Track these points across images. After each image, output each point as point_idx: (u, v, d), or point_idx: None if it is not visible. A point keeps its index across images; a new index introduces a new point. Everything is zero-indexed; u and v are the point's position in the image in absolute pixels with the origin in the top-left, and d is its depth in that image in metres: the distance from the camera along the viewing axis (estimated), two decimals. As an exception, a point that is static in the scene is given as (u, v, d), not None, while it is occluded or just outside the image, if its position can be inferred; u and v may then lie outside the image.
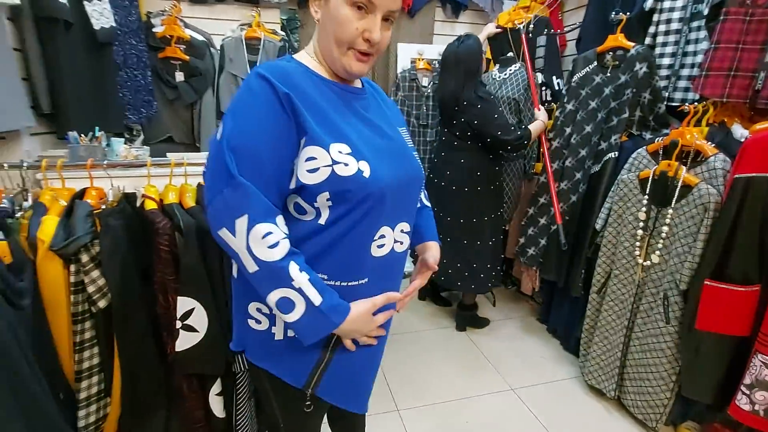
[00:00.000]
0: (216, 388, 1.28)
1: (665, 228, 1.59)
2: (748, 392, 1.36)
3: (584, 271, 2.02)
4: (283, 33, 2.72)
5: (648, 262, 1.66)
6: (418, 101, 2.75)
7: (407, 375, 2.05)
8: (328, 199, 0.76)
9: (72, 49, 1.70)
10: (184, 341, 1.16)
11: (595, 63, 2.02)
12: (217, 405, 1.29)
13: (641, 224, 1.67)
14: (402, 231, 0.87)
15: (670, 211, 1.57)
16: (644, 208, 1.65)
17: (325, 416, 1.13)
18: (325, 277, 0.80)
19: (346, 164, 0.74)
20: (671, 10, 1.84)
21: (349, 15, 0.73)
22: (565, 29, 2.72)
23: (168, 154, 1.42)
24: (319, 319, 0.76)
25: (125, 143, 1.62)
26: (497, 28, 2.49)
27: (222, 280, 1.22)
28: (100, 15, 1.80)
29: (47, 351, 1.07)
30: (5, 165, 1.22)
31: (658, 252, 1.62)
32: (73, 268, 1.08)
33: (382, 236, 0.82)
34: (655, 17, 1.91)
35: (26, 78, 1.60)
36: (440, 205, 2.19)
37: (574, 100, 2.08)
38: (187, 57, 2.39)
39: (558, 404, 1.89)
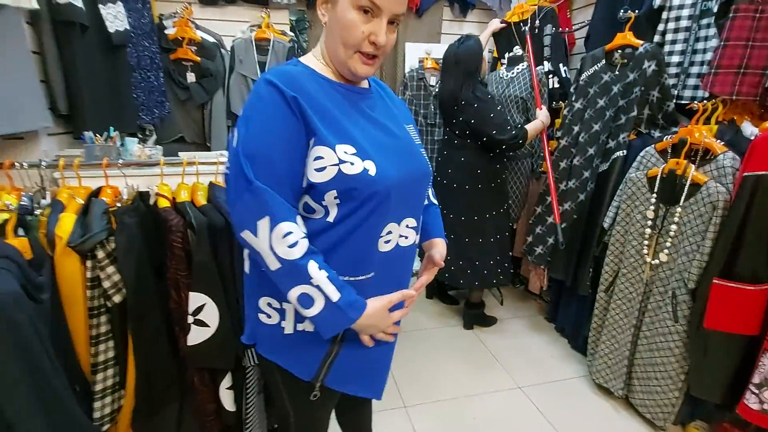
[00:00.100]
0: (226, 382, 1.31)
1: (673, 226, 1.58)
2: (756, 391, 1.35)
3: (592, 270, 2.01)
4: (292, 34, 2.76)
5: (656, 261, 1.65)
6: (426, 100, 2.76)
7: (415, 372, 2.06)
8: (335, 197, 0.78)
9: (88, 51, 1.75)
10: (196, 336, 1.19)
11: (604, 61, 2.02)
12: (227, 398, 1.31)
13: (649, 223, 1.67)
14: (407, 226, 0.89)
15: (679, 209, 1.56)
16: (652, 207, 1.65)
17: (334, 411, 1.15)
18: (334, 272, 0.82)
19: (351, 164, 0.76)
20: (680, 7, 1.83)
21: (356, 19, 0.75)
22: (573, 27, 2.71)
23: (180, 154, 1.46)
24: (337, 314, 0.78)
25: (138, 143, 1.65)
26: (502, 23, 2.50)
27: (233, 277, 1.24)
28: (115, 18, 1.85)
29: (64, 344, 1.10)
30: (24, 164, 1.26)
31: (666, 250, 1.62)
32: (89, 264, 1.11)
33: (389, 232, 0.84)
34: (664, 15, 1.90)
35: (44, 80, 1.65)
36: (443, 202, 2.21)
37: (582, 98, 2.08)
38: (198, 58, 2.43)
39: (565, 403, 1.89)
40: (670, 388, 1.63)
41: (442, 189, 2.23)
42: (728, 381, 1.47)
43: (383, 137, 0.84)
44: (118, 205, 1.23)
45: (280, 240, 0.74)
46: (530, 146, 2.46)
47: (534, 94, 2.29)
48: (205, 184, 1.37)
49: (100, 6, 1.77)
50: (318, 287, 0.76)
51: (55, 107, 1.69)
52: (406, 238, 0.90)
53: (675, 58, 1.87)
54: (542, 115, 2.16)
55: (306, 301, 0.77)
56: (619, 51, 1.95)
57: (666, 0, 1.88)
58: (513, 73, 2.42)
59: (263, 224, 0.74)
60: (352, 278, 0.83)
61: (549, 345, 2.33)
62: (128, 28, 1.94)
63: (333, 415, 1.12)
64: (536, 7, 2.39)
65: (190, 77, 2.45)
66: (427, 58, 2.76)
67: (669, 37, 1.89)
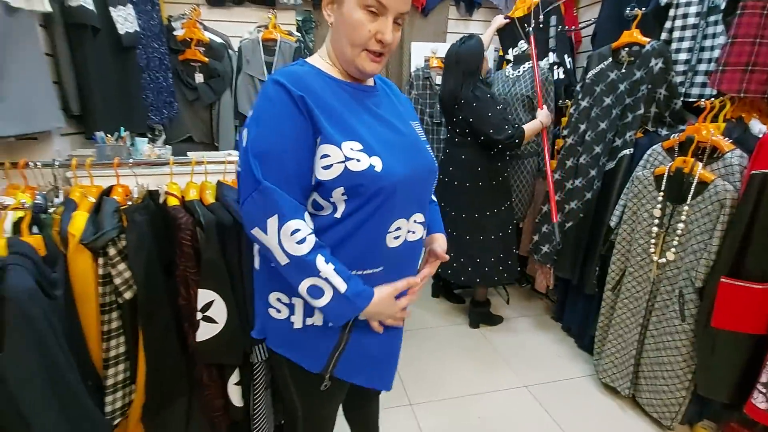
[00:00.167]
0: (234, 377, 1.33)
1: (680, 225, 1.58)
2: (764, 390, 1.34)
3: (599, 269, 2.01)
4: (299, 34, 2.77)
5: (663, 260, 1.65)
6: (432, 99, 2.77)
7: (420, 370, 2.07)
8: (342, 194, 0.80)
9: (99, 53, 1.78)
10: (204, 332, 1.21)
11: (610, 59, 2.01)
12: (235, 394, 1.33)
13: (656, 221, 1.66)
14: (415, 221, 0.91)
15: (686, 207, 1.56)
16: (659, 205, 1.64)
17: (341, 408, 1.16)
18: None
19: (358, 160, 0.77)
20: (688, 4, 1.82)
21: (362, 18, 0.76)
22: (580, 25, 2.70)
23: (188, 153, 1.49)
24: (345, 304, 0.81)
25: (148, 143, 1.68)
26: (505, 19, 2.50)
27: (241, 274, 1.26)
28: (125, 20, 1.88)
29: (77, 339, 1.13)
30: (38, 164, 1.29)
31: (673, 249, 1.61)
32: (101, 261, 1.13)
33: (398, 228, 0.86)
34: (672, 12, 1.88)
35: (57, 81, 1.68)
36: (444, 200, 2.24)
37: (588, 96, 2.07)
38: (206, 59, 2.46)
39: (571, 402, 1.89)
40: (677, 388, 1.62)
41: (443, 186, 2.25)
42: (736, 380, 1.46)
43: (389, 134, 0.86)
44: (129, 203, 1.25)
45: (288, 237, 0.76)
46: (536, 145, 2.45)
47: (543, 91, 2.29)
48: (213, 183, 1.39)
49: (111, 8, 1.80)
50: (326, 279, 0.78)
51: (68, 108, 1.72)
52: (414, 233, 0.91)
53: (682, 56, 1.86)
54: (542, 115, 2.16)
55: (315, 292, 0.80)
56: (626, 49, 1.95)
57: (673, -3, 1.87)
58: (519, 71, 2.42)
59: (272, 222, 0.76)
60: (359, 272, 0.85)
61: (555, 344, 2.33)
62: (138, 29, 1.97)
63: (340, 412, 1.14)
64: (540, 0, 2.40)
65: (199, 78, 2.48)
66: (432, 57, 2.77)
67: (676, 34, 1.88)
